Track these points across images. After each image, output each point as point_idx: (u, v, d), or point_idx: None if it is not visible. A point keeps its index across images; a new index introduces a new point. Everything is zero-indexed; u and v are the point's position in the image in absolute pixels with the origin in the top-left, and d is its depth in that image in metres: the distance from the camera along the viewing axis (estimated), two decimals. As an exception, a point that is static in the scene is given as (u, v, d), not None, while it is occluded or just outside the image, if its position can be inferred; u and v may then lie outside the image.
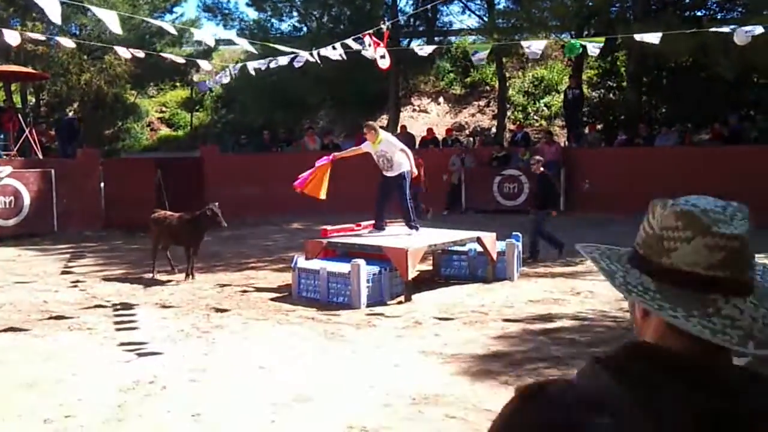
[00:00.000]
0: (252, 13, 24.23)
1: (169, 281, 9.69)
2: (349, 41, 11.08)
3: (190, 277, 9.75)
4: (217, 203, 9.75)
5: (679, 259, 1.10)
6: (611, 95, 20.89)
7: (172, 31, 9.48)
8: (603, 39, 10.23)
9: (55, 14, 7.64)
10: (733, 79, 14.99)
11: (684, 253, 1.09)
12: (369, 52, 10.62)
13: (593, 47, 9.91)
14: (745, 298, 1.09)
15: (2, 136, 15.71)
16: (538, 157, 11.40)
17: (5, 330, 6.97)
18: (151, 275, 9.92)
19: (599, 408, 0.99)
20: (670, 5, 17.70)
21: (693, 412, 1.00)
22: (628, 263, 1.19)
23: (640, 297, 1.11)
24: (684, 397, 1.01)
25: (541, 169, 11.05)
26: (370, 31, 10.33)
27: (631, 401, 1.00)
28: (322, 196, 9.63)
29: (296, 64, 10.93)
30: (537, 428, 1.01)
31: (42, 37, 11.49)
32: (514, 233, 9.89)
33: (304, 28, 23.18)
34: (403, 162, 9.25)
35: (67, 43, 11.53)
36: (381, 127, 11.52)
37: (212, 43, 12.46)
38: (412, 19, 22.81)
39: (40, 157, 15.95)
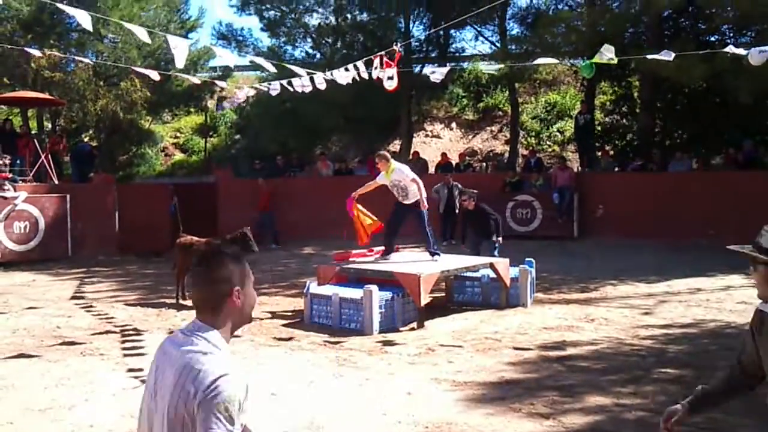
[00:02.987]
0: (266, 40, 24.46)
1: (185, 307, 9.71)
2: (360, 64, 11.05)
3: None
4: (248, 227, 9.78)
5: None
6: (624, 120, 20.85)
7: (180, 57, 9.50)
8: (616, 59, 10.22)
9: (86, 22, 7.92)
10: (750, 103, 14.91)
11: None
12: (377, 72, 10.58)
13: (607, 52, 9.88)
14: None
15: (18, 162, 15.88)
16: (472, 191, 11.41)
17: (18, 355, 6.98)
18: (175, 300, 9.94)
19: None
20: (683, 31, 17.71)
21: None
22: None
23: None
24: None
25: (473, 203, 11.11)
26: (383, 53, 10.33)
27: None
28: (375, 224, 9.68)
29: (319, 86, 10.94)
30: None
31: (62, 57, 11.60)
32: (527, 259, 9.84)
33: (318, 55, 23.39)
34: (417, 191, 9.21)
35: (87, 62, 11.65)
36: (393, 154, 11.54)
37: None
38: (424, 45, 22.94)
39: (56, 182, 16.11)
